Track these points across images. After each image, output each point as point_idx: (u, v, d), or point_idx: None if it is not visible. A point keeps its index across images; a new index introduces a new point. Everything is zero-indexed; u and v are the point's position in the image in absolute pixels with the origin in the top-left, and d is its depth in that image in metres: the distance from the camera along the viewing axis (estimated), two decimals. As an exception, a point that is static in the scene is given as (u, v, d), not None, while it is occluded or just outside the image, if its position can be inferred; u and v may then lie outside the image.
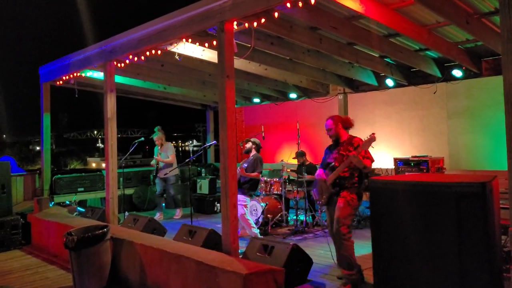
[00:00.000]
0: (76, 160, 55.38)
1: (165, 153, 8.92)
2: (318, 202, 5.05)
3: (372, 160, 4.64)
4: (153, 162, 9.18)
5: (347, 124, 4.88)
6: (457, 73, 7.63)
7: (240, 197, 6.66)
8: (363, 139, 4.51)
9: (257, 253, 4.45)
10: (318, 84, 9.47)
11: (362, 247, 5.64)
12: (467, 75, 7.62)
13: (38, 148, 54.57)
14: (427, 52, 7.20)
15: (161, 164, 8.89)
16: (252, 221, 6.72)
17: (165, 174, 8.69)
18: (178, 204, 9.16)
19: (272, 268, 3.96)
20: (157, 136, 9.01)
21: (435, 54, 7.30)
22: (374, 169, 8.38)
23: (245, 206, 6.63)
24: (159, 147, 9.00)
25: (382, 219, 2.78)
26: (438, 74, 7.75)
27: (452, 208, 2.44)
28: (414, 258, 2.61)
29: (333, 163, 4.71)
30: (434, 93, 8.09)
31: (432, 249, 2.55)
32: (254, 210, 7.41)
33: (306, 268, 4.44)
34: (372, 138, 4.33)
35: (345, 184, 4.62)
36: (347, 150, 4.61)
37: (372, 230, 2.85)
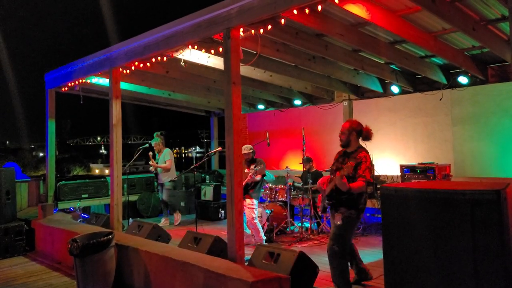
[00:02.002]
0: (79, 167, 55.45)
1: (162, 159, 8.90)
2: (317, 208, 5.04)
3: (367, 180, 4.35)
4: (151, 168, 9.18)
5: (364, 135, 4.58)
6: (462, 79, 7.60)
7: (250, 201, 6.68)
8: (368, 155, 4.42)
9: (263, 261, 4.41)
10: (323, 90, 9.46)
11: (368, 254, 5.61)
12: (473, 81, 7.60)
13: (41, 154, 54.75)
14: (432, 58, 7.19)
15: (159, 170, 8.86)
16: (260, 226, 6.71)
17: (164, 179, 8.71)
18: (165, 210, 8.99)
19: (278, 276, 3.93)
20: (155, 142, 8.97)
21: (440, 60, 7.29)
22: (379, 176, 8.35)
23: (254, 209, 6.67)
24: (157, 153, 8.98)
25: (394, 227, 2.74)
26: (444, 81, 7.73)
27: (467, 216, 2.41)
28: (427, 266, 2.57)
29: (335, 173, 4.49)
30: (440, 99, 8.05)
31: (446, 257, 2.51)
32: (259, 217, 7.37)
33: (312, 276, 4.39)
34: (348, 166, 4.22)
35: (341, 197, 4.40)
36: (351, 166, 4.34)
37: (384, 238, 2.81)
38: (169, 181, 8.87)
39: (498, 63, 7.26)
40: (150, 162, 8.92)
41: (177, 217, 8.98)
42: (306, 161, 7.88)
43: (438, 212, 2.54)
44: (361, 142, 4.67)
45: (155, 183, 10.34)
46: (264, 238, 6.65)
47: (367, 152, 4.52)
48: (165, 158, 8.90)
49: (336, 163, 4.67)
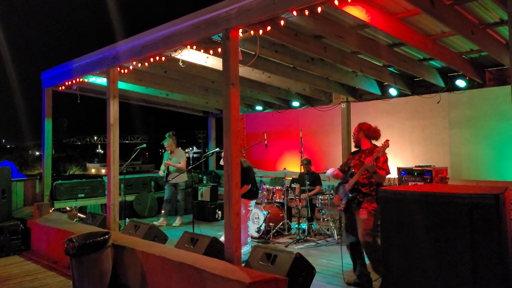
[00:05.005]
0: (75, 166, 55.27)
1: (176, 159, 8.92)
2: (337, 207, 5.19)
3: (388, 172, 4.75)
4: (162, 170, 9.11)
5: (372, 134, 4.99)
6: (460, 83, 7.62)
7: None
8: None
9: (260, 262, 4.40)
10: (321, 92, 9.46)
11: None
12: (471, 85, 7.61)
13: (37, 153, 54.54)
14: (431, 61, 7.20)
15: (172, 169, 8.87)
16: (249, 228, 6.70)
17: (172, 178, 8.71)
18: (180, 212, 9.10)
19: (275, 277, 3.92)
20: (168, 142, 9.02)
21: (439, 64, 7.30)
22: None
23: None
24: (169, 153, 8.99)
25: (393, 230, 2.74)
26: (442, 84, 7.75)
27: (465, 219, 2.41)
28: (426, 269, 2.57)
29: (353, 170, 4.89)
30: (438, 102, 8.07)
31: (444, 260, 2.51)
32: (256, 218, 7.37)
33: (309, 277, 4.39)
34: (385, 145, 4.64)
35: (363, 191, 4.76)
36: (377, 159, 4.76)
37: (383, 240, 2.81)
38: (184, 181, 9.02)
39: (496, 67, 7.27)
40: (166, 161, 8.92)
41: (179, 219, 9.02)
42: (307, 163, 7.89)
43: (437, 215, 2.55)
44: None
45: (152, 183, 10.33)
46: (249, 240, 6.60)
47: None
48: (181, 159, 8.95)
49: (352, 160, 5.03)
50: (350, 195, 4.83)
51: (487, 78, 7.42)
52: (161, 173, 9.16)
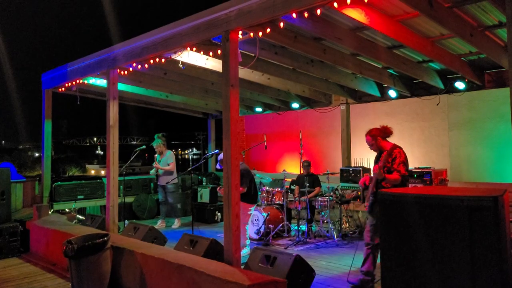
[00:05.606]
0: (75, 167, 55.24)
1: (164, 161, 8.88)
2: (365, 207, 5.25)
3: (401, 174, 4.72)
4: (152, 171, 9.11)
5: (387, 134, 5.03)
6: (459, 85, 7.63)
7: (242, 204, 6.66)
8: (402, 151, 4.81)
9: (259, 264, 4.41)
10: (321, 94, 9.48)
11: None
12: (470, 87, 7.63)
13: (36, 154, 54.53)
14: (430, 64, 7.21)
15: (160, 172, 8.84)
16: (247, 232, 6.68)
17: (166, 183, 8.69)
18: (177, 213, 9.07)
19: (275, 279, 3.92)
20: (157, 144, 8.94)
21: (438, 66, 7.31)
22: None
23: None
24: (160, 155, 8.96)
25: (391, 232, 2.74)
26: (441, 86, 7.76)
27: (464, 222, 2.41)
28: (425, 271, 2.57)
29: (374, 174, 4.88)
30: (437, 104, 8.08)
31: (443, 263, 2.51)
32: (255, 220, 7.37)
33: (309, 280, 4.39)
34: (389, 153, 4.74)
35: None
36: (386, 161, 4.78)
37: (382, 242, 2.81)
38: (173, 184, 8.90)
39: (494, 69, 7.29)
40: (154, 164, 8.90)
41: (178, 221, 8.98)
42: (307, 165, 7.90)
43: (436, 217, 2.55)
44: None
45: (152, 185, 10.34)
46: (248, 243, 6.59)
47: (400, 148, 4.92)
48: (168, 161, 8.88)
49: (376, 164, 5.01)
50: (371, 198, 4.86)
51: (486, 80, 7.43)
52: (151, 172, 9.16)
